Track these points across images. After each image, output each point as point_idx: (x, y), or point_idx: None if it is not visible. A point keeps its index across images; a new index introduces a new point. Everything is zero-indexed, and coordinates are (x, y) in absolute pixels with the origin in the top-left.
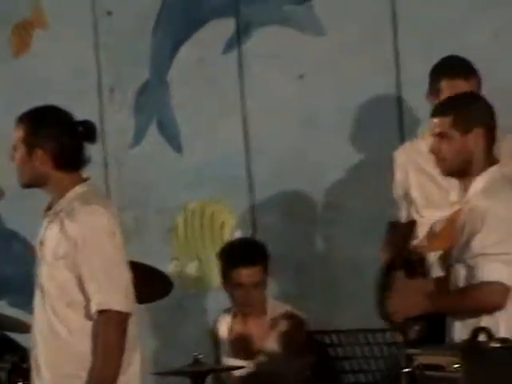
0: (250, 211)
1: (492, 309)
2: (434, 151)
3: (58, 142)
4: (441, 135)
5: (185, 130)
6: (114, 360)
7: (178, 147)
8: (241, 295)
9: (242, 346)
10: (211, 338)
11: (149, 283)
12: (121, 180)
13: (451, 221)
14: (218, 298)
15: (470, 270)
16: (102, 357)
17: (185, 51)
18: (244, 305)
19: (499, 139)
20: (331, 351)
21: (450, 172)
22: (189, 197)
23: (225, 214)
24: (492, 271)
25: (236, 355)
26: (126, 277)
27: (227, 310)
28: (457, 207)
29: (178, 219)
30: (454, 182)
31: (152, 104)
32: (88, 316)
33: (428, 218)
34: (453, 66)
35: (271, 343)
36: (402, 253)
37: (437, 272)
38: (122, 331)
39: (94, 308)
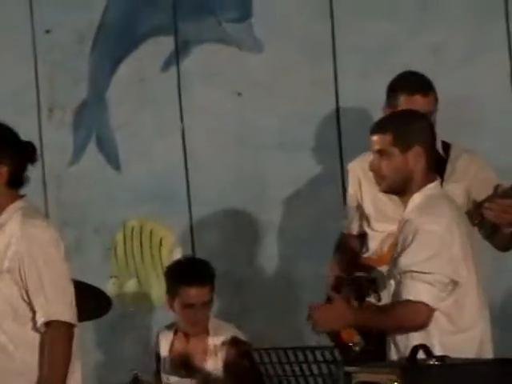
0: (189, 229)
1: (414, 328)
2: (374, 168)
3: (14, 160)
4: (380, 152)
5: (124, 148)
6: (60, 370)
7: (116, 165)
8: (190, 315)
9: (183, 364)
10: (152, 353)
11: (88, 301)
12: (60, 198)
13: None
14: (157, 315)
15: (398, 285)
16: (49, 367)
17: (123, 69)
18: (193, 324)
19: (456, 156)
20: (269, 369)
21: (389, 189)
22: (128, 215)
23: (164, 231)
24: (418, 291)
25: (176, 373)
26: (71, 288)
27: (169, 327)
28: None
29: (117, 237)
30: None
31: (91, 122)
32: (35, 328)
33: (380, 231)
34: (411, 82)
35: (211, 366)
36: (350, 270)
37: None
38: (69, 342)
39: (41, 319)
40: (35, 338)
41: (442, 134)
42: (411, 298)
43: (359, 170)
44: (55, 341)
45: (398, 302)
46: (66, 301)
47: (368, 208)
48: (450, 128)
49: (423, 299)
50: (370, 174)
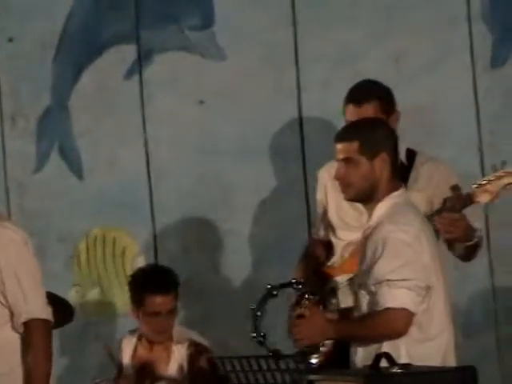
0: (152, 237)
1: (396, 335)
2: (340, 176)
3: None
4: (347, 160)
5: (86, 157)
6: (45, 367)
7: (79, 174)
8: (156, 323)
9: (145, 371)
10: (114, 359)
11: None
12: (23, 206)
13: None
14: (119, 324)
15: (373, 296)
16: (34, 365)
17: (86, 78)
18: (158, 333)
19: (420, 164)
20: (232, 377)
21: (355, 197)
22: (91, 223)
23: (127, 240)
24: (396, 297)
25: (138, 380)
26: (43, 287)
27: (132, 332)
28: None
29: (80, 246)
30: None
31: (54, 131)
32: (14, 329)
33: (343, 239)
34: (351, 92)
35: (174, 370)
36: (312, 278)
37: (346, 296)
38: (50, 339)
39: (20, 319)
40: (14, 337)
41: (406, 141)
42: (390, 305)
43: (326, 177)
44: (37, 338)
45: (377, 311)
46: (42, 299)
47: (332, 216)
48: (413, 135)
49: (403, 305)
50: (336, 181)
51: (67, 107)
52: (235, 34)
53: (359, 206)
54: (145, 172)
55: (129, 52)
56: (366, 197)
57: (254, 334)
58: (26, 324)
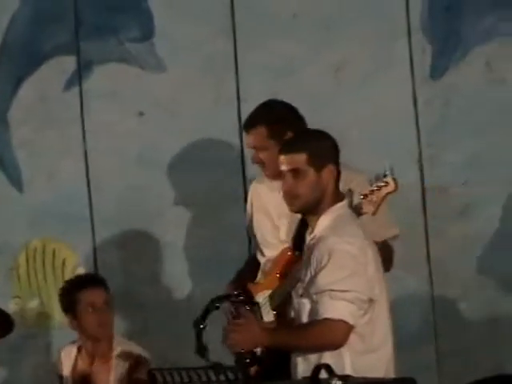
0: (91, 249)
1: (333, 346)
2: (287, 188)
3: None
4: (294, 172)
5: (26, 169)
6: None
7: (19, 186)
8: (94, 318)
9: (86, 383)
10: (54, 371)
11: None
12: None
13: (276, 261)
14: (59, 336)
15: (314, 305)
16: None
17: (25, 89)
18: (99, 326)
19: (349, 178)
20: None
21: (302, 209)
22: (31, 235)
23: (67, 251)
24: (335, 309)
25: None
26: None
27: (71, 344)
28: (283, 246)
29: (19, 257)
30: (283, 220)
31: None
32: None
33: (268, 257)
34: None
35: (114, 381)
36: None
37: (266, 312)
38: None
39: None
40: None
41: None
42: (330, 316)
43: (252, 194)
44: None
45: (315, 321)
46: None
47: (256, 233)
48: (352, 147)
49: (342, 317)
50: (259, 198)
51: (6, 118)
52: (175, 46)
53: (276, 222)
54: (84, 183)
55: (69, 63)
56: (312, 208)
57: (197, 347)
58: None
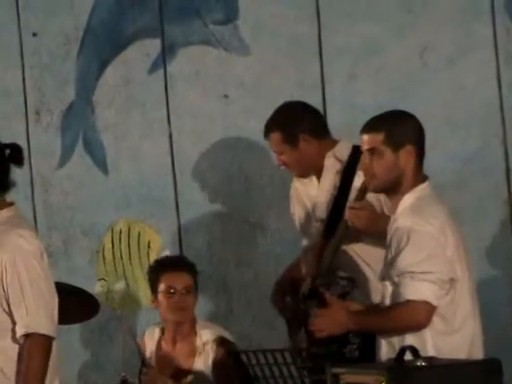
0: (176, 231)
1: (417, 327)
2: (365, 167)
3: None
4: (371, 151)
5: (111, 151)
6: (35, 382)
7: (104, 168)
8: (172, 302)
9: (169, 365)
10: (138, 352)
11: (76, 304)
12: (47, 201)
13: (314, 251)
14: (144, 318)
15: (396, 287)
16: (24, 379)
17: (110, 72)
18: (175, 310)
19: None
20: (256, 371)
21: (380, 189)
22: (116, 217)
23: (151, 234)
24: (417, 290)
25: (163, 375)
26: (53, 300)
27: (156, 325)
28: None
29: (104, 240)
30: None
31: (78, 125)
32: (15, 340)
33: (304, 246)
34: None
35: (199, 367)
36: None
37: None
38: (46, 355)
39: (20, 331)
40: (14, 349)
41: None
42: (412, 297)
43: (292, 189)
44: (32, 353)
45: (398, 303)
46: (46, 313)
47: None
48: (436, 128)
49: (425, 297)
50: (297, 191)
51: (92, 101)
52: (259, 28)
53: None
54: (169, 166)
55: (153, 46)
56: (391, 188)
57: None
58: (25, 337)
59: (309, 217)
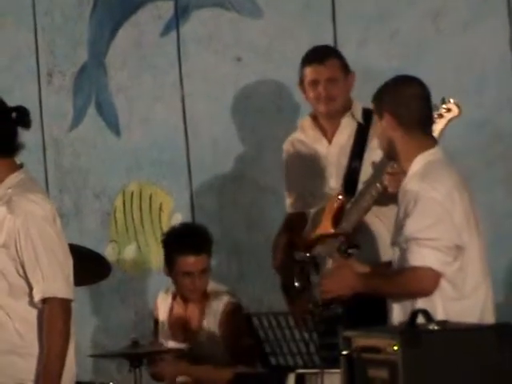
0: (188, 193)
1: (421, 293)
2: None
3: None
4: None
5: (123, 113)
6: (59, 346)
7: (116, 130)
8: (188, 283)
9: (182, 327)
10: (151, 315)
11: (87, 266)
12: (59, 163)
13: (327, 208)
14: (156, 280)
15: (403, 253)
16: (48, 344)
17: (123, 34)
18: (191, 291)
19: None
20: (268, 334)
21: (385, 156)
22: (127, 180)
23: (163, 196)
24: (423, 256)
25: (175, 337)
26: (68, 263)
27: (167, 290)
28: (334, 193)
29: (116, 202)
30: (330, 169)
31: (90, 87)
32: (32, 304)
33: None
34: (311, 53)
35: (209, 326)
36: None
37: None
38: (67, 318)
39: (37, 296)
40: (31, 312)
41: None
42: (417, 263)
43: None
44: (53, 318)
45: (404, 269)
46: (62, 276)
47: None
48: (445, 92)
49: (430, 264)
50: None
51: (104, 63)
52: None
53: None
54: (181, 129)
55: (165, 8)
56: (391, 155)
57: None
58: (43, 301)
59: (315, 175)
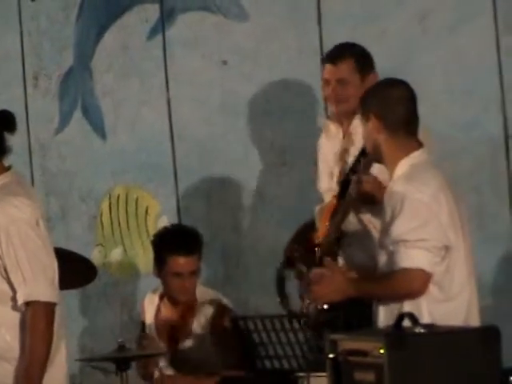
0: (174, 197)
1: (412, 295)
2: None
3: None
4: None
5: (109, 117)
6: (41, 350)
7: (102, 133)
8: (178, 284)
9: (169, 330)
10: (138, 318)
11: (73, 269)
12: (45, 166)
13: (326, 210)
14: (142, 284)
15: (391, 255)
16: (30, 348)
17: (109, 38)
18: (181, 293)
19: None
20: (254, 337)
21: (372, 158)
22: (113, 183)
23: (149, 199)
24: (412, 258)
25: (162, 339)
26: (52, 266)
27: (154, 291)
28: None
29: (102, 205)
30: (336, 169)
31: (76, 91)
32: (17, 309)
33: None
34: (329, 51)
35: (196, 328)
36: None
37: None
38: (50, 322)
39: (20, 299)
40: (16, 317)
41: (429, 100)
42: (407, 265)
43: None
44: (36, 321)
45: (394, 271)
46: (46, 280)
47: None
48: (434, 95)
49: (419, 265)
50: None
51: (90, 67)
52: None
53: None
54: (167, 132)
55: (151, 11)
56: (377, 157)
57: (279, 298)
58: (26, 305)
59: (331, 174)
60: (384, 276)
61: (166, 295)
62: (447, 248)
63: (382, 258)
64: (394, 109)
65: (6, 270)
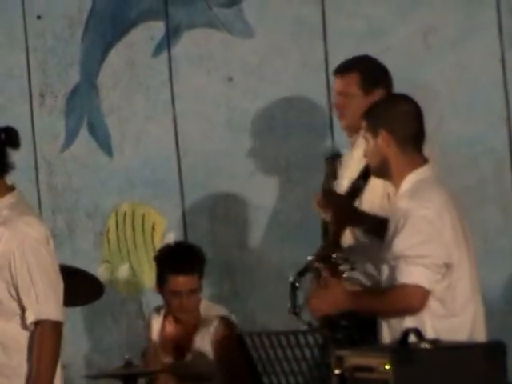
0: (180, 213)
1: (410, 311)
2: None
3: None
4: (364, 136)
5: (115, 133)
6: (49, 368)
7: (108, 150)
8: (177, 302)
9: (172, 346)
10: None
11: (80, 286)
12: (52, 183)
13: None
14: (149, 300)
15: (392, 270)
16: (38, 365)
17: (114, 55)
18: (180, 311)
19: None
20: (261, 353)
21: (373, 174)
22: (120, 200)
23: (156, 216)
24: (412, 274)
25: (166, 354)
26: (60, 285)
27: (158, 309)
28: None
29: (109, 222)
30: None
31: (82, 107)
32: (22, 326)
33: None
34: (340, 63)
35: (200, 344)
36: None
37: None
38: (57, 341)
39: (30, 318)
40: (20, 333)
41: (432, 116)
42: (406, 281)
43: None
44: (44, 340)
45: (393, 286)
46: (55, 299)
47: None
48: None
49: (419, 282)
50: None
51: (96, 84)
52: (263, 11)
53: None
54: (173, 148)
55: (157, 29)
56: (383, 173)
57: (290, 306)
58: (35, 324)
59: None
60: (382, 291)
61: (170, 312)
62: (448, 265)
63: (384, 273)
64: (405, 123)
65: (16, 288)
